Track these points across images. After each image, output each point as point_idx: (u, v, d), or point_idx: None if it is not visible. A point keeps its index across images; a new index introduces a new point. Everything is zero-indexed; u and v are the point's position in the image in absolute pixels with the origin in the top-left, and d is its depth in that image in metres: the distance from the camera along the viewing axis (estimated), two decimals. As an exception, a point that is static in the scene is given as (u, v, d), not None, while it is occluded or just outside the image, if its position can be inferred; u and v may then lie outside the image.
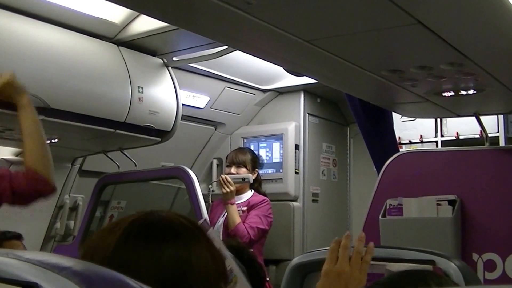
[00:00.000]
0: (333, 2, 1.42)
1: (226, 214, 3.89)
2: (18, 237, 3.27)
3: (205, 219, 2.71)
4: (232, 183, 3.85)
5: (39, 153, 2.10)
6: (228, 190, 3.82)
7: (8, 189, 2.05)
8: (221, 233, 3.81)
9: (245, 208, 3.93)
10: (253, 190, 4.08)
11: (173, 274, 0.91)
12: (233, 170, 4.03)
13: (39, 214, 3.95)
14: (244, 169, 4.04)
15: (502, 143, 3.82)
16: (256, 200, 3.96)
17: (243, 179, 3.95)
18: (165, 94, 3.51)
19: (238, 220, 3.79)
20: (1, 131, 3.14)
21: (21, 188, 2.07)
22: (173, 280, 0.90)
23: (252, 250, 3.07)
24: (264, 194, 4.10)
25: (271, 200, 4.10)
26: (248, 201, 3.98)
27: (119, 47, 3.33)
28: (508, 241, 2.48)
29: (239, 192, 3.97)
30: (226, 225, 3.83)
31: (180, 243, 0.94)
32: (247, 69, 4.18)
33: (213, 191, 4.25)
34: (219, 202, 4.06)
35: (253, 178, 4.02)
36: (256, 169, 4.15)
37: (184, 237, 0.96)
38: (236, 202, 3.89)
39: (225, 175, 3.92)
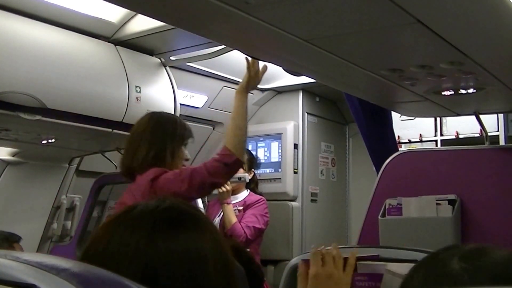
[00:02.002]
0: (332, 1, 1.41)
1: (222, 214, 3.89)
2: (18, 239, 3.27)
3: None
4: (228, 182, 3.85)
5: (232, 134, 2.57)
6: (223, 189, 3.81)
7: (204, 170, 2.48)
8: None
9: (241, 208, 3.92)
10: (249, 190, 4.07)
11: (199, 265, 0.88)
12: (229, 170, 4.02)
13: (36, 214, 3.95)
14: (240, 169, 4.03)
15: (502, 142, 3.82)
16: (252, 200, 3.96)
17: (239, 178, 3.94)
18: (162, 93, 3.50)
19: (234, 219, 3.79)
20: (-2, 132, 3.13)
21: (213, 165, 2.50)
22: (199, 270, 0.87)
23: (248, 249, 3.06)
24: (260, 194, 4.10)
25: (270, 200, 4.09)
26: (244, 200, 3.97)
27: (117, 46, 3.32)
28: (508, 240, 2.47)
29: (235, 191, 3.96)
30: (222, 225, 3.83)
31: (203, 233, 0.92)
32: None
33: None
34: (215, 202, 4.05)
35: (250, 178, 4.02)
36: (253, 169, 4.14)
37: (203, 227, 0.93)
38: (232, 202, 3.89)
39: None
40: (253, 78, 2.71)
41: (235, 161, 2.52)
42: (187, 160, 2.76)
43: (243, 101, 2.64)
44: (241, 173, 4.01)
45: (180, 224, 0.90)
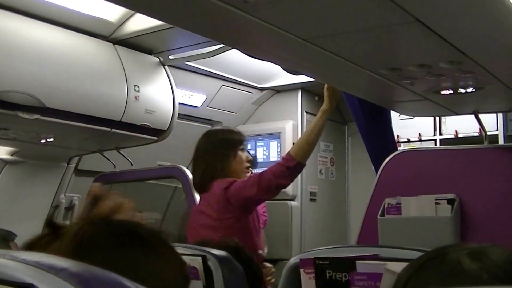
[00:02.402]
0: (331, 0, 1.41)
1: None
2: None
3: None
4: None
5: (299, 145, 2.94)
6: None
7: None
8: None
9: (238, 207, 3.92)
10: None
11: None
12: (226, 169, 4.02)
13: (34, 213, 3.94)
14: None
15: (501, 141, 3.82)
16: (250, 199, 3.95)
17: None
18: (161, 92, 3.50)
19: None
20: (-3, 131, 3.13)
21: (277, 168, 2.87)
22: None
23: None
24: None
25: (269, 199, 4.09)
26: (242, 200, 3.97)
27: (115, 45, 3.32)
28: (507, 239, 2.47)
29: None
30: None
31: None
32: (244, 67, 4.18)
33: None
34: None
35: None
36: (250, 169, 4.14)
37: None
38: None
39: None
40: (331, 99, 2.99)
41: (297, 165, 2.86)
42: (249, 161, 3.14)
43: (321, 122, 2.97)
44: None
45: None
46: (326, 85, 2.96)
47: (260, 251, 3.04)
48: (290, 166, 2.86)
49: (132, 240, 0.91)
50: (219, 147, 3.05)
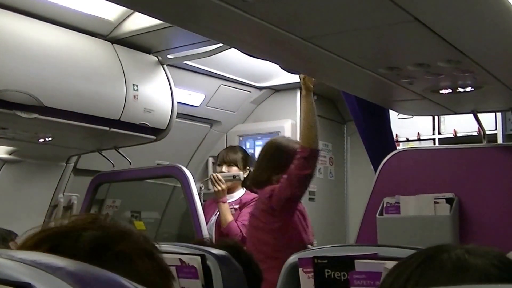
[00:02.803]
0: (330, -1, 1.41)
1: (218, 212, 3.89)
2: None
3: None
4: (223, 181, 3.85)
5: (306, 132, 3.09)
6: (219, 188, 3.81)
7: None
8: (214, 232, 3.80)
9: (237, 206, 3.92)
10: (244, 189, 4.07)
11: None
12: (224, 169, 4.03)
13: (33, 213, 3.94)
14: (235, 168, 4.03)
15: (500, 140, 3.82)
16: (248, 198, 3.96)
17: (234, 177, 3.94)
18: (160, 92, 3.50)
19: (230, 218, 3.79)
20: (-5, 130, 3.12)
21: (297, 162, 3.03)
22: None
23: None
24: (256, 193, 4.09)
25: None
26: (240, 199, 3.97)
27: (114, 44, 3.31)
28: (506, 238, 2.47)
29: (231, 190, 3.96)
30: (218, 223, 3.82)
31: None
32: (243, 66, 4.17)
33: (208, 189, 4.23)
34: (212, 201, 4.05)
35: (245, 176, 4.01)
36: (248, 168, 4.14)
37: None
38: (228, 201, 3.89)
39: (216, 173, 3.92)
40: (306, 85, 3.12)
41: (311, 152, 3.03)
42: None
43: (309, 102, 3.11)
44: (236, 171, 4.01)
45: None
46: (301, 75, 3.13)
47: (309, 246, 3.11)
48: (305, 156, 3.01)
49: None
50: (283, 162, 3.23)
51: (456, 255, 0.95)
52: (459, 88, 2.19)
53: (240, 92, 4.54)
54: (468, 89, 2.18)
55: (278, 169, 3.18)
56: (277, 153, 3.26)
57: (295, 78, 4.26)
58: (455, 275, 0.92)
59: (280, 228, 3.13)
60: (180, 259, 1.66)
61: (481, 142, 2.76)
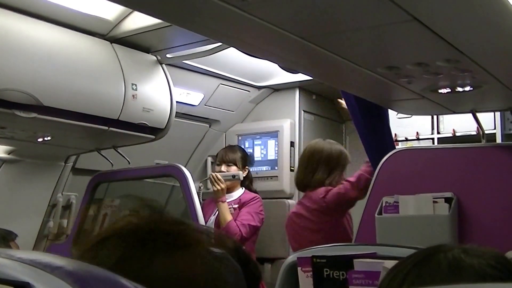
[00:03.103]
0: (329, -2, 1.41)
1: (217, 212, 3.89)
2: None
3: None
4: (223, 180, 3.85)
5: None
6: (218, 188, 3.82)
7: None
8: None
9: (236, 206, 3.93)
10: (244, 188, 4.07)
11: None
12: (223, 168, 4.03)
13: (32, 212, 3.94)
14: (234, 167, 4.04)
15: (499, 140, 3.82)
16: (247, 198, 3.96)
17: (233, 176, 3.95)
18: (159, 91, 3.50)
19: (229, 217, 3.79)
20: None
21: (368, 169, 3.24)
22: None
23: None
24: (255, 192, 4.10)
25: (266, 198, 4.09)
26: (239, 198, 3.97)
27: (113, 44, 3.31)
28: (505, 238, 2.47)
29: (230, 190, 3.96)
30: (217, 223, 3.83)
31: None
32: (242, 66, 4.17)
33: (208, 189, 4.23)
34: (210, 200, 4.05)
35: (244, 175, 4.02)
36: (247, 167, 4.14)
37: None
38: (227, 200, 3.89)
39: (215, 173, 3.92)
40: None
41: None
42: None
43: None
44: (235, 170, 4.01)
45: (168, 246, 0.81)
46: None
47: None
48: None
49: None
50: (339, 167, 3.54)
51: (452, 255, 0.95)
52: (458, 88, 2.18)
53: (239, 92, 4.54)
54: (467, 88, 2.18)
55: (328, 172, 3.48)
56: (326, 157, 3.51)
57: (294, 78, 4.27)
58: (451, 275, 0.93)
59: (330, 227, 3.38)
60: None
61: (480, 142, 2.76)
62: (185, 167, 3.51)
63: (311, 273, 1.77)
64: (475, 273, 0.91)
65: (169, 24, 2.92)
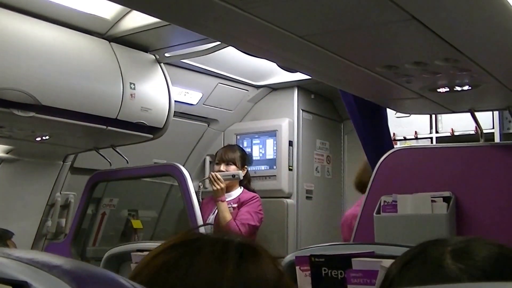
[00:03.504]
0: (327, -3, 1.41)
1: (216, 211, 3.89)
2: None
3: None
4: (222, 180, 3.85)
5: None
6: (218, 187, 3.82)
7: None
8: (212, 231, 3.81)
9: (235, 205, 3.93)
10: (242, 187, 4.07)
11: None
12: (222, 167, 4.03)
13: (30, 212, 3.93)
14: (233, 167, 4.04)
15: (497, 139, 3.82)
16: (246, 197, 3.96)
17: (233, 176, 3.95)
18: (157, 90, 3.49)
19: (229, 217, 3.79)
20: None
21: None
22: None
23: None
24: (253, 191, 4.10)
25: (265, 197, 4.09)
26: (238, 198, 3.97)
27: (111, 43, 3.31)
28: (503, 237, 2.47)
29: (229, 189, 3.96)
30: (217, 222, 3.83)
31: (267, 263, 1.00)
32: (240, 65, 4.17)
33: (206, 188, 4.23)
34: (209, 199, 4.05)
35: (243, 175, 4.02)
36: (246, 166, 4.14)
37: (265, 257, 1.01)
38: (226, 199, 3.89)
39: (215, 173, 3.92)
40: None
41: None
42: None
43: None
44: (234, 170, 4.01)
45: (255, 256, 0.98)
46: None
47: None
48: None
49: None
50: None
51: (438, 258, 0.96)
52: (456, 87, 2.18)
53: (238, 91, 4.54)
54: (466, 87, 2.18)
55: None
56: None
57: (292, 77, 4.27)
58: (430, 280, 0.93)
59: None
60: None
61: (479, 141, 2.76)
62: (183, 166, 3.50)
63: (309, 272, 1.77)
64: (451, 282, 0.92)
65: (167, 23, 2.92)
